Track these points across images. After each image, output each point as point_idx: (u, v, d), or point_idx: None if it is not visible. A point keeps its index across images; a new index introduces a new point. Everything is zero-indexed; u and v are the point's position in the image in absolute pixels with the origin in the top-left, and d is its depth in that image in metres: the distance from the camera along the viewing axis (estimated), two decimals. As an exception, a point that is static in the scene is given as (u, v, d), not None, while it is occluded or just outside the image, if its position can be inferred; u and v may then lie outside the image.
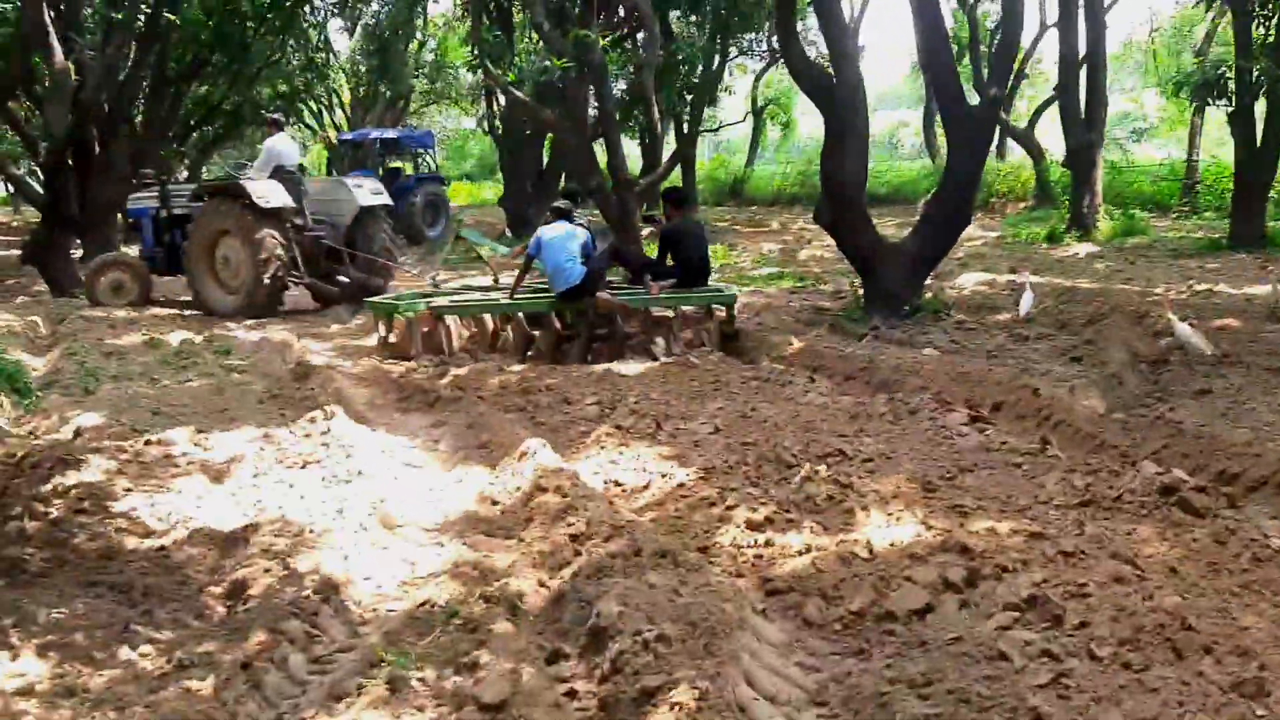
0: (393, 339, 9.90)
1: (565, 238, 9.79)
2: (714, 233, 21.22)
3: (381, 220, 13.53)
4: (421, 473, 6.04)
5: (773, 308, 12.15)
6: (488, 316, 9.98)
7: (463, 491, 5.64)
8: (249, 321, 11.84)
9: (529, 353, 9.70)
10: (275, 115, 14.90)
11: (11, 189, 21.98)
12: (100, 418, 6.94)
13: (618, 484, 5.59)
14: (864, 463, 5.56)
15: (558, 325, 9.86)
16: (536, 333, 9.84)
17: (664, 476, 5.54)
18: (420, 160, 26.72)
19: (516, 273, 10.32)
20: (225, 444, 6.30)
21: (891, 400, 7.11)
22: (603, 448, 6.14)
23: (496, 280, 10.98)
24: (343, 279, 13.05)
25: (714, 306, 10.10)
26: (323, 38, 39.07)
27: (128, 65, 22.01)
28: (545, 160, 26.73)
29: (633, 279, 10.67)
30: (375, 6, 40.55)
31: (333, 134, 41.39)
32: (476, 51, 19.85)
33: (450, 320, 9.90)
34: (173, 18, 21.43)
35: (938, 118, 27.13)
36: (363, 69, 44.73)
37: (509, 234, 23.08)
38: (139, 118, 27.41)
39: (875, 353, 8.97)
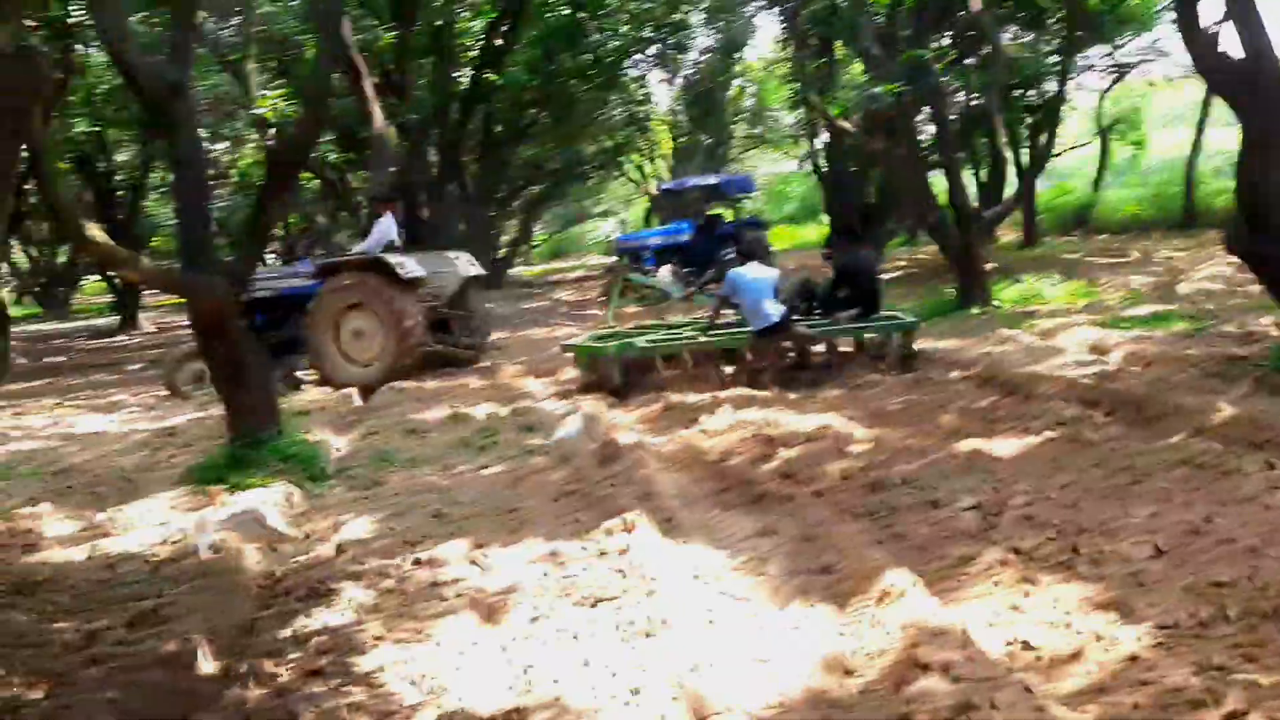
0: (593, 377, 10.78)
1: (762, 279, 10.51)
2: (1065, 266, 18.80)
3: (479, 289, 14.27)
4: (745, 612, 4.54)
5: (1167, 357, 9.88)
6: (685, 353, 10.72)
7: (802, 648, 4.10)
8: (553, 393, 10.84)
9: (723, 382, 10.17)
10: (387, 195, 14.63)
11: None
12: (373, 524, 5.93)
13: (1028, 648, 3.86)
14: None
15: (749, 358, 10.60)
16: (728, 368, 10.57)
17: (1099, 639, 3.78)
18: (740, 205, 25.59)
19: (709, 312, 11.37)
20: (505, 565, 5.08)
21: None
22: (996, 582, 4.43)
23: (711, 325, 11.27)
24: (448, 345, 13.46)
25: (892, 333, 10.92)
26: (644, 92, 39.27)
27: (454, 127, 22.27)
28: (870, 197, 25.03)
29: (822, 310, 11.19)
30: (695, 56, 40.30)
31: (653, 185, 41.52)
32: (798, 85, 18.57)
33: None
34: (496, 78, 21.40)
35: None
36: (683, 119, 44.72)
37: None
38: (466, 181, 28.03)
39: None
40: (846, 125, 15.41)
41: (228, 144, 32.39)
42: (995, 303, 15.04)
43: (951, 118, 18.34)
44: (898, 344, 10.77)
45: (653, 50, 34.00)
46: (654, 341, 11.03)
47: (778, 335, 10.38)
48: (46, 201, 6.96)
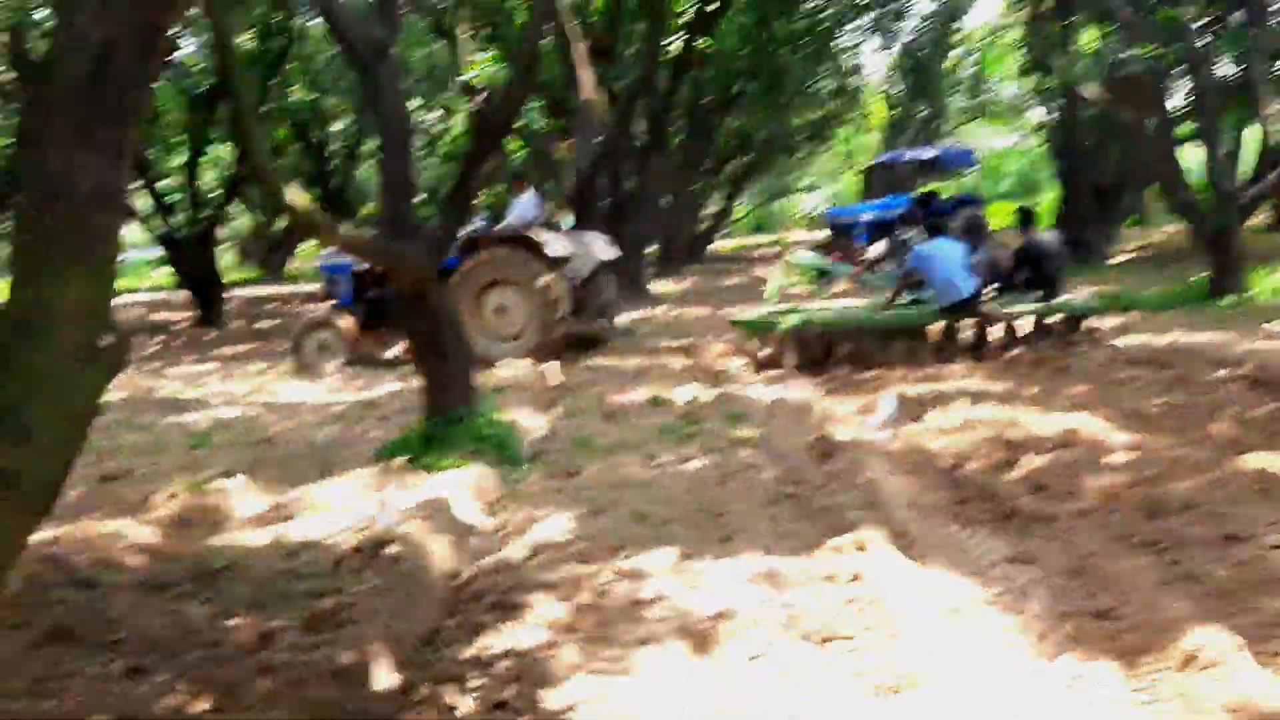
0: (768, 352, 10.59)
1: (953, 252, 10.41)
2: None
3: (610, 273, 13.92)
4: (1009, 664, 3.75)
5: None
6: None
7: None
8: (760, 378, 10.09)
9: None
10: (520, 174, 14.23)
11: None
12: (570, 521, 5.37)
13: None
14: None
15: (933, 336, 10.44)
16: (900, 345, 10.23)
17: None
18: (959, 181, 24.16)
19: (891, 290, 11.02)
20: (715, 582, 4.43)
21: None
22: (1339, 652, 3.52)
23: (891, 302, 10.96)
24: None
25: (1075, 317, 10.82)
26: (856, 61, 37.87)
27: (662, 96, 21.68)
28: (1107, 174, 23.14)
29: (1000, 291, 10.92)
30: (912, 23, 38.64)
31: (863, 159, 40.09)
32: (1031, 51, 17.21)
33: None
34: (707, 44, 20.64)
35: None
36: (897, 90, 43.05)
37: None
38: (674, 151, 27.46)
39: None
40: (1090, 92, 14.06)
41: (440, 113, 32.87)
42: (1250, 292, 13.50)
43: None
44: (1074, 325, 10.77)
45: (869, 18, 32.69)
46: (832, 316, 10.93)
47: (966, 311, 10.31)
48: (247, 163, 6.64)
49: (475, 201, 12.61)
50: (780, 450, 7.04)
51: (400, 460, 7.42)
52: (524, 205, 13.34)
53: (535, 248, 12.50)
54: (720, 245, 37.62)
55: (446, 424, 7.75)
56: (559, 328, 12.52)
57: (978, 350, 10.32)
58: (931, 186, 24.43)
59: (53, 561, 5.19)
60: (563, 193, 17.21)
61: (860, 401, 8.66)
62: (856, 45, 34.96)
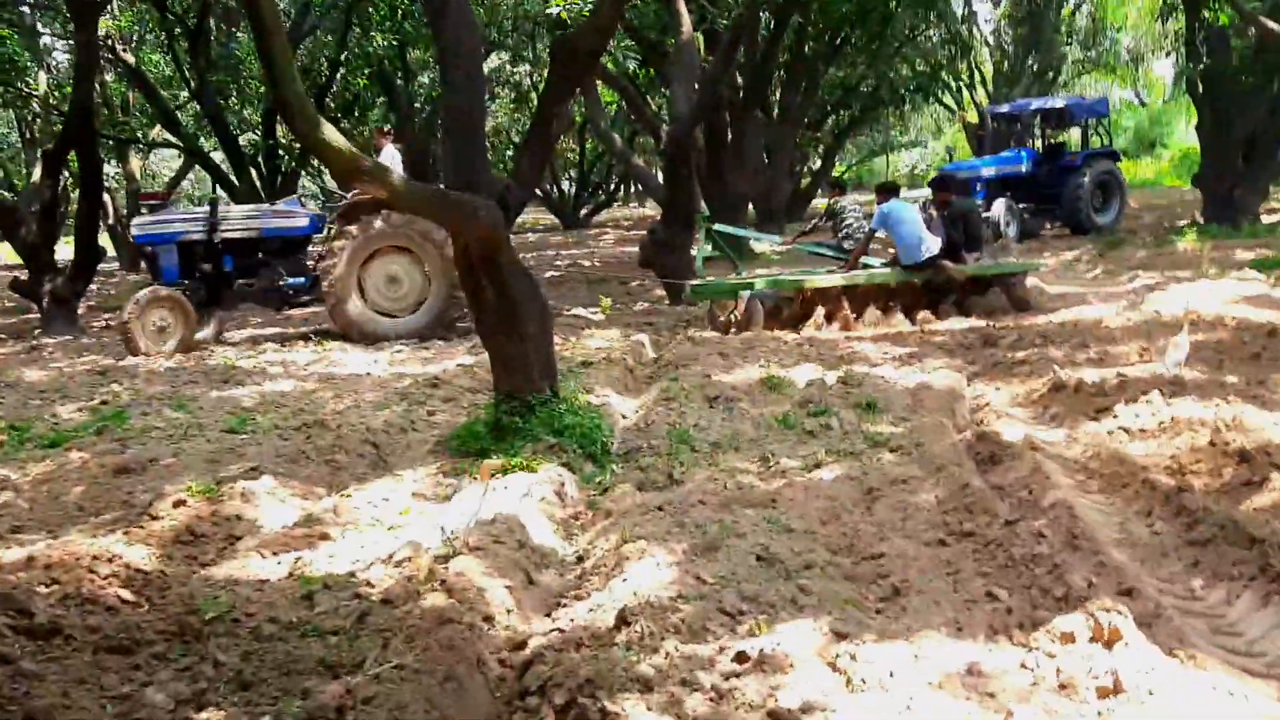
0: (733, 317, 10.60)
1: (915, 214, 10.96)
2: None
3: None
4: None
5: None
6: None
7: None
8: (895, 357, 8.59)
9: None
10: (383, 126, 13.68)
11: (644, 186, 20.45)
12: (671, 565, 4.00)
13: None
14: None
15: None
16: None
17: None
18: (1091, 133, 22.11)
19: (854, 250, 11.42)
20: (889, 684, 3.04)
21: None
22: None
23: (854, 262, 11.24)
24: None
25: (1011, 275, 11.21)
26: (968, 9, 35.65)
27: (763, 43, 20.09)
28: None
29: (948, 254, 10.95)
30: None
31: (972, 113, 37.90)
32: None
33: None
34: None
35: None
36: (1008, 40, 40.66)
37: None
38: (774, 103, 25.78)
39: None
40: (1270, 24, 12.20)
41: (527, 66, 31.54)
42: None
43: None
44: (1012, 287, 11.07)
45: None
46: (800, 279, 11.01)
47: (927, 268, 10.65)
48: (270, 88, 5.37)
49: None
50: (933, 455, 5.57)
51: (465, 454, 6.20)
52: (384, 160, 11.83)
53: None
54: (820, 204, 35.76)
55: (521, 410, 6.49)
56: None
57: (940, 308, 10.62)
58: (1060, 139, 22.48)
59: (6, 599, 4.00)
60: (656, 145, 15.75)
61: (1019, 388, 7.16)
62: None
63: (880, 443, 5.96)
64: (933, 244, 10.62)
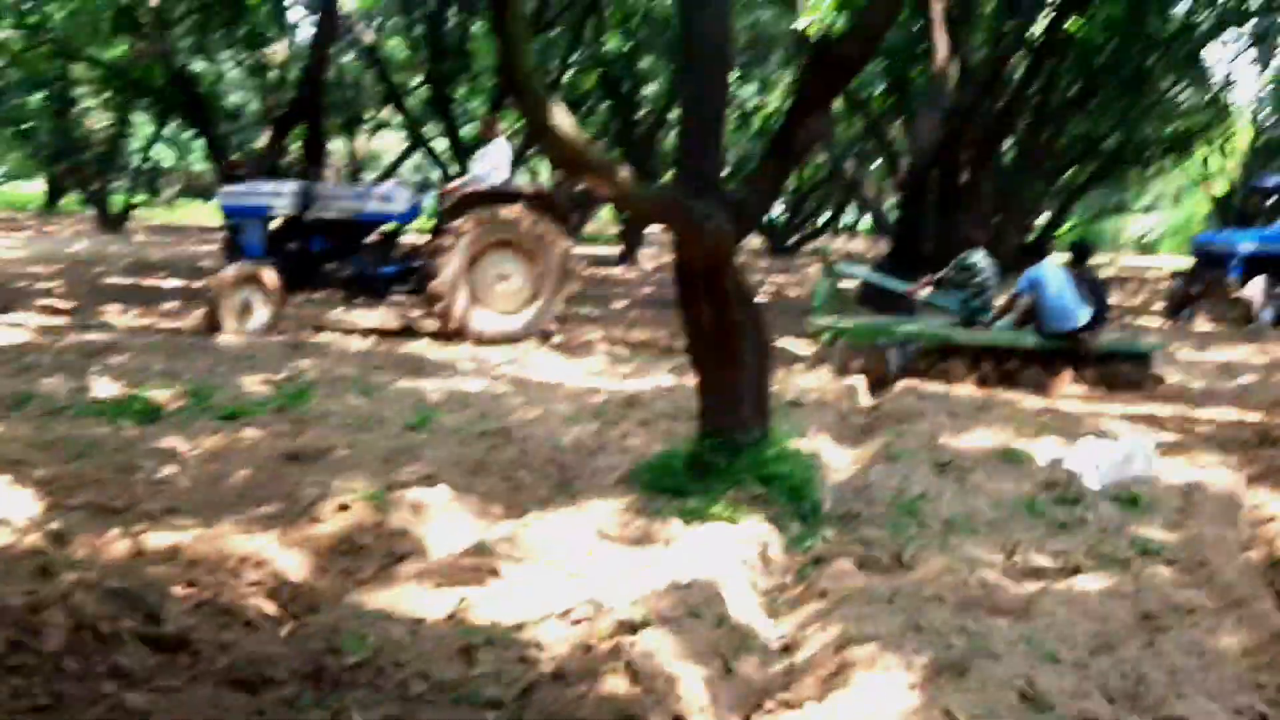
0: (859, 365, 9.84)
1: (1067, 278, 10.02)
2: None
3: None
4: None
5: None
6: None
7: None
8: (1157, 445, 7.46)
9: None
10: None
11: (872, 218, 19.13)
12: (909, 688, 3.19)
13: None
14: None
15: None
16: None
17: None
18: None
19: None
20: None
21: None
22: None
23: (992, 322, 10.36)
24: None
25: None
26: (1228, 74, 33.30)
27: (1014, 85, 18.87)
28: None
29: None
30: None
31: (1221, 183, 35.47)
32: None
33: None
34: (1076, 27, 17.62)
35: None
36: (1269, 109, 37.81)
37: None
38: (1012, 148, 24.39)
39: None
40: None
41: (756, 87, 30.91)
42: None
43: None
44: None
45: (1249, 27, 28.45)
46: (939, 333, 10.18)
47: (1074, 337, 9.81)
48: (507, 72, 4.80)
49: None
50: (1222, 579, 4.57)
51: (658, 490, 5.51)
52: (495, 153, 11.53)
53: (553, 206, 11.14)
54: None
55: (725, 449, 5.75)
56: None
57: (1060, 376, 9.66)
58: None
59: (136, 601, 3.50)
60: (892, 176, 14.81)
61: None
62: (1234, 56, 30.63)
63: (1151, 551, 4.97)
64: (1083, 312, 9.81)
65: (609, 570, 4.26)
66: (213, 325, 10.24)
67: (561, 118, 4.91)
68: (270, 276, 10.44)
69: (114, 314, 11.92)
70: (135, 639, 3.31)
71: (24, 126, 31.14)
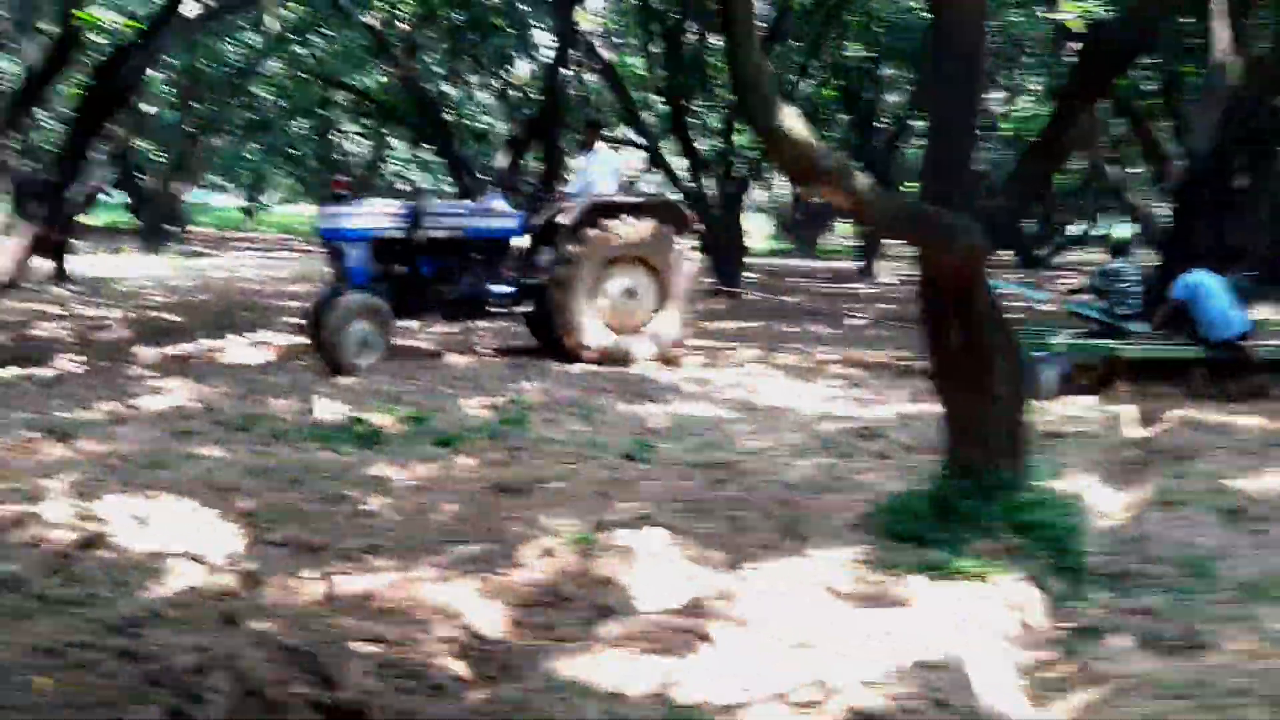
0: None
1: (1223, 285, 9.59)
2: None
3: None
4: None
5: None
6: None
7: None
8: None
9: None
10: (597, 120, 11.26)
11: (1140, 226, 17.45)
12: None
13: None
14: None
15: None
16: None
17: None
18: None
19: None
20: None
21: None
22: None
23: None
24: None
25: None
26: None
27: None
28: None
29: None
30: None
31: None
32: None
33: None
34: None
35: None
36: None
37: None
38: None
39: None
40: None
41: (1003, 94, 29.36)
42: None
43: None
44: None
45: None
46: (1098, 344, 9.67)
47: (1234, 346, 9.37)
48: (733, 67, 4.33)
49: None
50: None
51: (897, 538, 4.90)
52: (600, 162, 10.96)
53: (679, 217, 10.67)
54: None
55: (974, 490, 5.07)
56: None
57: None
58: None
59: (311, 662, 3.20)
60: (1161, 181, 13.51)
61: None
62: None
63: None
64: (1240, 320, 9.47)
65: (838, 637, 3.69)
66: (334, 367, 9.22)
67: (792, 120, 4.39)
68: (381, 305, 9.69)
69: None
70: (307, 706, 2.99)
71: (292, 153, 32.99)
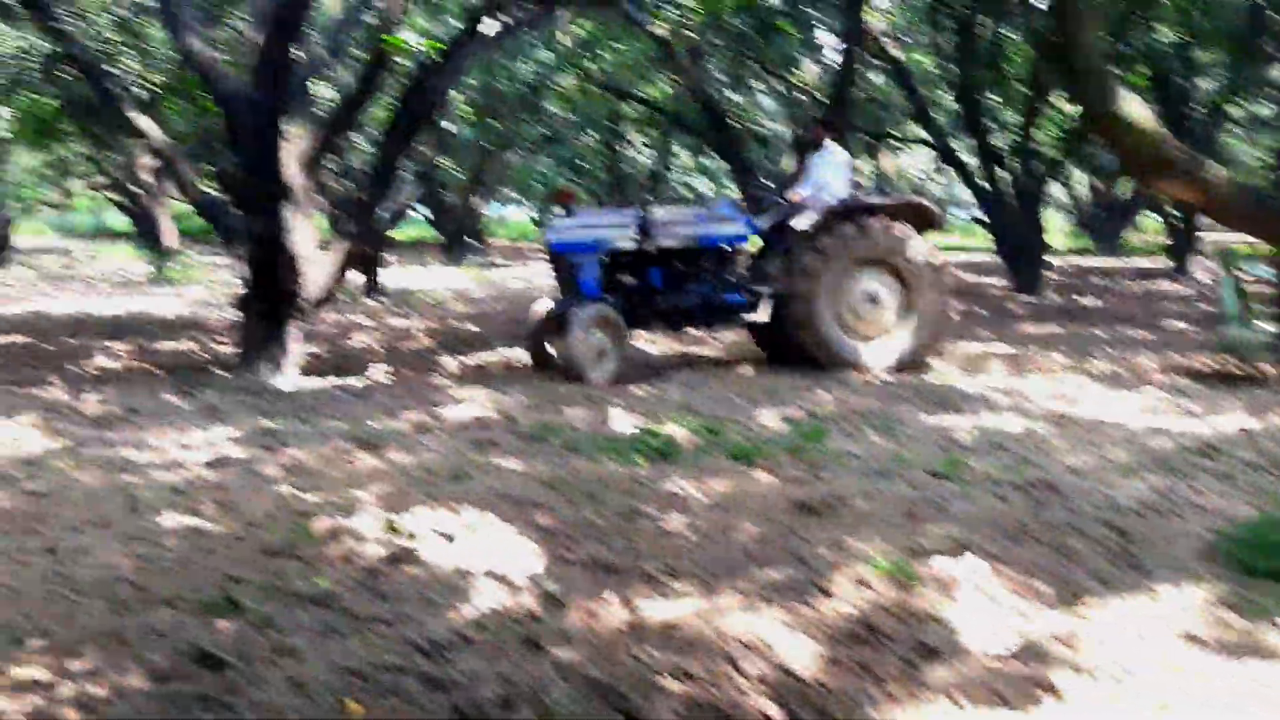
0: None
1: None
2: None
3: None
4: None
5: None
6: None
7: None
8: None
9: None
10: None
11: None
12: None
13: None
14: None
15: None
16: None
17: None
18: None
19: None
20: None
21: None
22: None
23: None
24: None
25: None
26: None
27: None
28: None
29: None
30: None
31: None
32: None
33: None
34: None
35: None
36: None
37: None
38: None
39: None
40: None
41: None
42: None
43: None
44: None
45: None
46: None
47: None
48: (1062, 48, 3.90)
49: None
50: None
51: (1254, 573, 4.32)
52: (828, 162, 10.40)
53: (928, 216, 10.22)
54: None
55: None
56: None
57: None
58: None
59: (616, 697, 3.05)
60: None
61: None
62: None
63: None
64: None
65: (1207, 698, 3.21)
66: (575, 377, 9.02)
67: (1134, 107, 3.92)
68: (617, 316, 9.43)
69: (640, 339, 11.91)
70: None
71: (581, 165, 33.89)
